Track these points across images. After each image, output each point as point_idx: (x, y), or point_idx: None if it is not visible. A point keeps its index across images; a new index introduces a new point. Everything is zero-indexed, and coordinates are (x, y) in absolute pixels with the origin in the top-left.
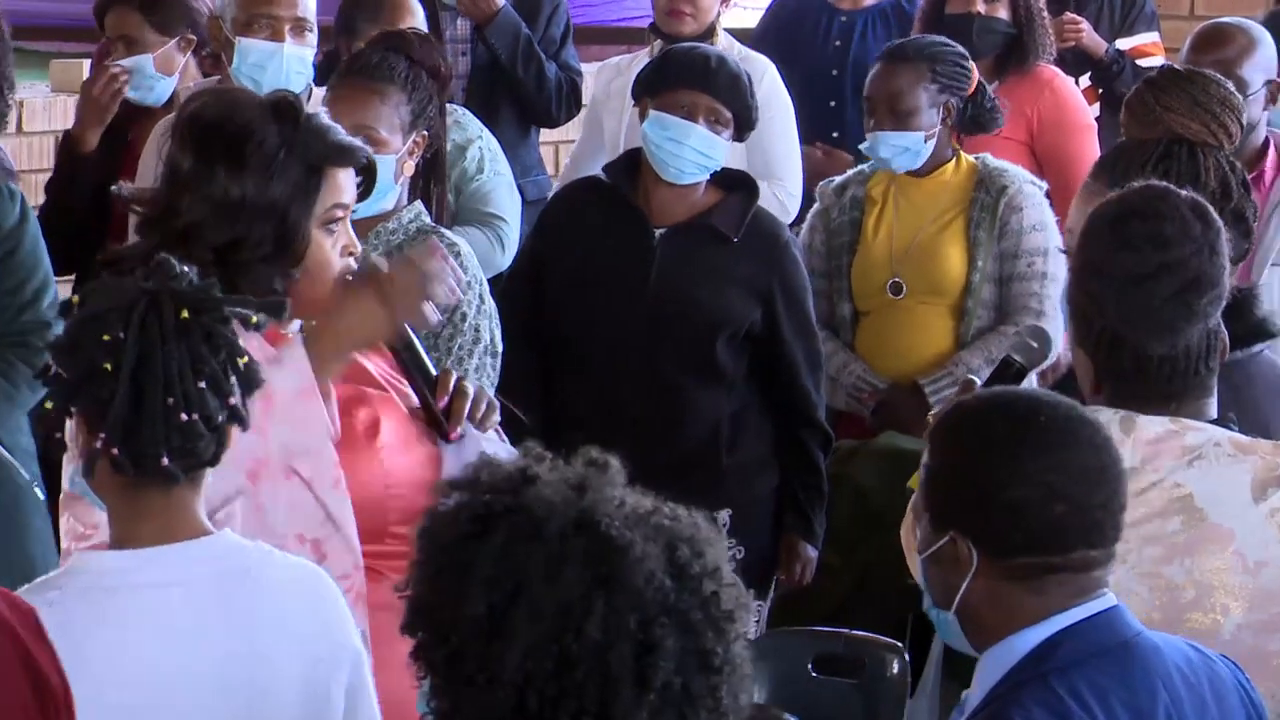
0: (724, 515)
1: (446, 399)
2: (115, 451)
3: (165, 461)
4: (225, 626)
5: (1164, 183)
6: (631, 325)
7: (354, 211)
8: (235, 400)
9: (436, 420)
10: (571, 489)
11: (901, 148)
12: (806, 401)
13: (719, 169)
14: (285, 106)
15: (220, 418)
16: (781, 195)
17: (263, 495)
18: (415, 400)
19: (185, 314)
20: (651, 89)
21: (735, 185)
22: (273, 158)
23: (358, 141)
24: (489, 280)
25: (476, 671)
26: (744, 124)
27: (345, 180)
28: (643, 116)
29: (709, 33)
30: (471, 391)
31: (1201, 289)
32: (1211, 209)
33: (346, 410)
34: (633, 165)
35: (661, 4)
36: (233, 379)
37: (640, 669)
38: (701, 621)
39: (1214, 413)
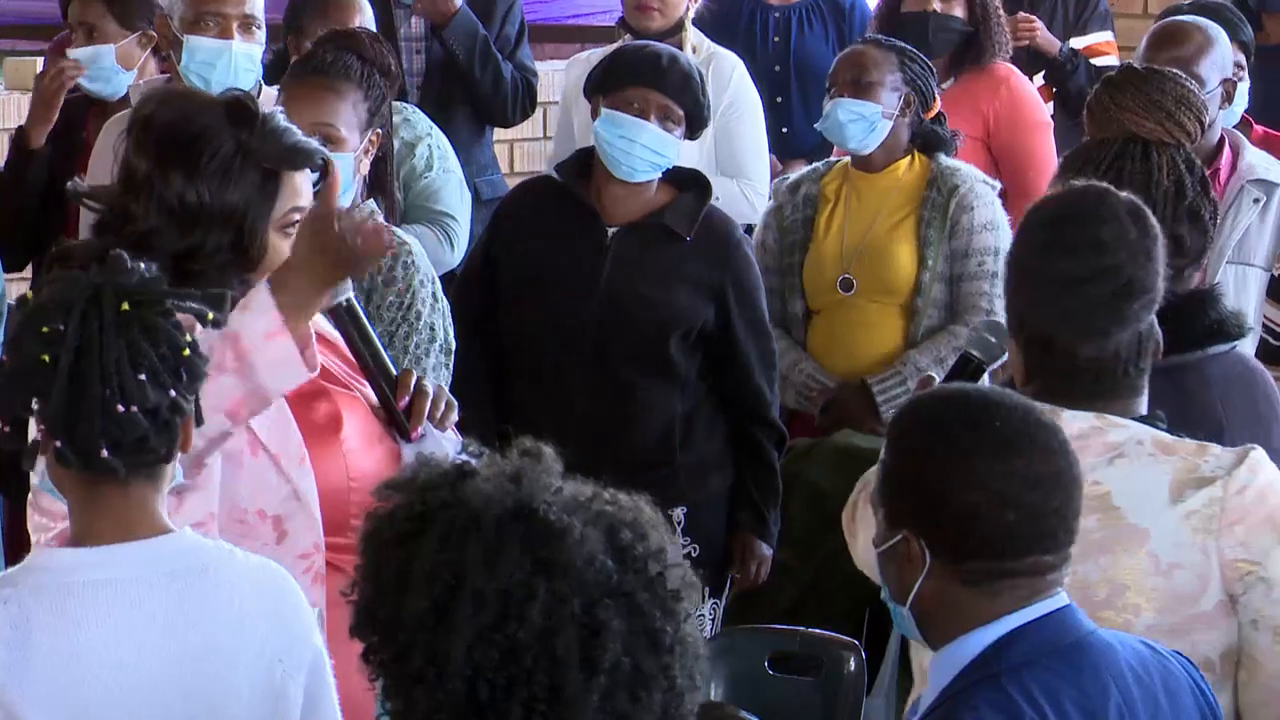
0: (679, 513)
1: (407, 398)
2: (57, 444)
3: (105, 454)
4: (182, 625)
5: (1103, 184)
6: (584, 324)
7: None
8: (178, 393)
9: (397, 419)
10: (508, 480)
11: (858, 114)
12: (760, 400)
13: (671, 167)
14: (241, 109)
15: (164, 410)
16: (750, 194)
17: (225, 469)
18: (375, 399)
19: (126, 306)
20: (603, 87)
21: (688, 184)
22: (229, 163)
23: (314, 142)
24: (440, 278)
25: (425, 666)
26: (696, 122)
27: (302, 183)
28: (595, 114)
29: (677, 28)
30: (432, 391)
31: (1134, 294)
32: (1149, 213)
33: (307, 403)
34: (585, 164)
35: None
36: (182, 372)
37: (587, 651)
38: (648, 602)
39: (1143, 410)
